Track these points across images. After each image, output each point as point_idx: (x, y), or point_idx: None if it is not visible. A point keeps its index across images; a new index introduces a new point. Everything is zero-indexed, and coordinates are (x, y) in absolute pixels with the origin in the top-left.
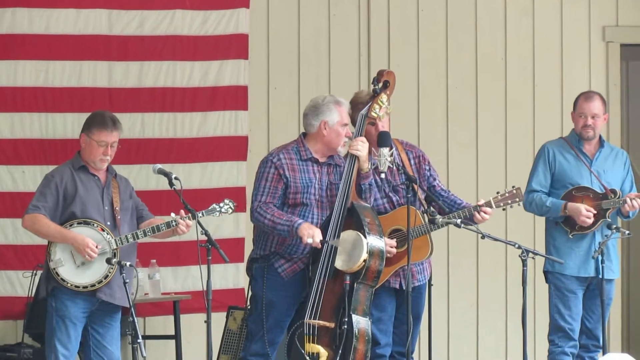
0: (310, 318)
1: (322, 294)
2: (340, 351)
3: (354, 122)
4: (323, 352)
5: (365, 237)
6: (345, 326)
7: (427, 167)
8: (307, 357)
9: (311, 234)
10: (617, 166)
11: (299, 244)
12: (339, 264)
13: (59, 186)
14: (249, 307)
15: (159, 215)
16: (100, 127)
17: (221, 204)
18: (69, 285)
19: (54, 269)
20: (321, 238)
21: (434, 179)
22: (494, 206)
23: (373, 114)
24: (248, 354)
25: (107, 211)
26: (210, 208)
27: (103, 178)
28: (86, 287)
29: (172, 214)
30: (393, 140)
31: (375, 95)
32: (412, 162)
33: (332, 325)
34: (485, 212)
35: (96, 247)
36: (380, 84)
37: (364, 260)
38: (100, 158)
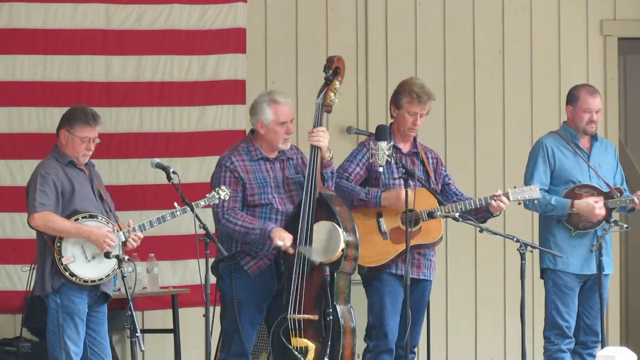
0: (293, 313)
1: (303, 288)
2: (329, 342)
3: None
4: (311, 346)
5: (339, 226)
6: (331, 317)
7: (444, 169)
8: (296, 352)
9: (282, 237)
10: (609, 158)
11: (266, 242)
12: (316, 256)
13: (56, 183)
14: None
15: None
16: (83, 124)
17: (220, 191)
18: (79, 280)
19: (65, 265)
20: (291, 242)
21: (449, 179)
22: (511, 198)
23: (329, 101)
24: (230, 356)
25: (100, 205)
26: (209, 196)
27: (87, 172)
28: (94, 280)
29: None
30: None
31: (328, 82)
32: (431, 161)
33: (316, 317)
34: (501, 201)
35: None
36: (331, 71)
37: (342, 250)
38: (83, 153)
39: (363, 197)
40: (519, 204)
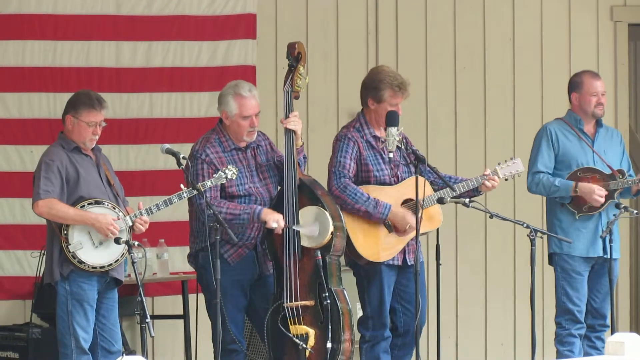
0: (288, 301)
1: (296, 275)
2: (329, 326)
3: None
4: (311, 331)
5: (325, 209)
6: (328, 300)
7: (413, 146)
8: (297, 340)
9: (275, 219)
10: (615, 145)
11: (245, 231)
12: (306, 242)
13: (61, 170)
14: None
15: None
16: (88, 108)
17: (226, 170)
18: (87, 267)
19: (73, 252)
20: (283, 223)
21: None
22: (500, 175)
23: (297, 87)
24: (226, 345)
25: (108, 189)
26: (216, 176)
27: (94, 157)
28: (103, 267)
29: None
30: None
31: (292, 69)
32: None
33: (312, 302)
34: (494, 180)
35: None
36: (293, 58)
37: (332, 232)
38: (90, 138)
39: (371, 210)
40: (506, 179)
